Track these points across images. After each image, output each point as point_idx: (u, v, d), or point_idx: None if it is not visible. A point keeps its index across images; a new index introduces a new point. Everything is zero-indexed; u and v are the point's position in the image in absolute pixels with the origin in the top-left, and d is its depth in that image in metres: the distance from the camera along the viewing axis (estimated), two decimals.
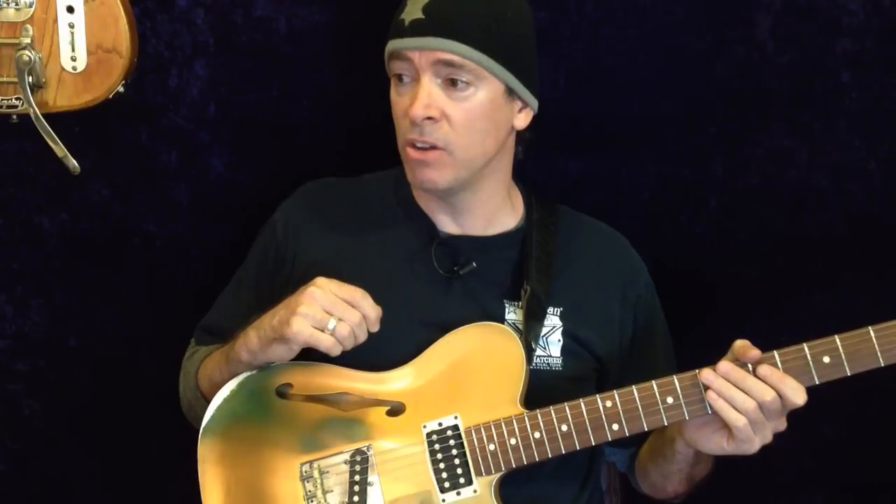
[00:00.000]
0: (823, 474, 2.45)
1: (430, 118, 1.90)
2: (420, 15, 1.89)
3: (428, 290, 2.02)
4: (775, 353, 1.79)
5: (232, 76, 2.32)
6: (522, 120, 2.01)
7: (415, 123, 1.91)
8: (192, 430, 2.00)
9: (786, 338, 1.84)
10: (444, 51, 1.89)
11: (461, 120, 1.92)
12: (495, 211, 2.08)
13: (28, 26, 2.06)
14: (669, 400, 1.82)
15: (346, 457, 1.91)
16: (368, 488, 1.90)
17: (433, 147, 1.92)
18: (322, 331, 1.82)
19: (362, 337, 1.85)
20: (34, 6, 2.06)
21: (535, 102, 2.00)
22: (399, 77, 1.94)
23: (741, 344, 1.81)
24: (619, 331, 2.08)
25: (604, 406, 1.85)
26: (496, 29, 1.92)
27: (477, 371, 1.93)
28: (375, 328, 1.86)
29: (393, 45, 1.93)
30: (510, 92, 1.96)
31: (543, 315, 2.01)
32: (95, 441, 2.48)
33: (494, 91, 1.93)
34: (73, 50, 2.07)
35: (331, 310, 1.83)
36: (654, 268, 2.18)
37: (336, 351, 1.84)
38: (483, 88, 1.92)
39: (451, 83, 1.91)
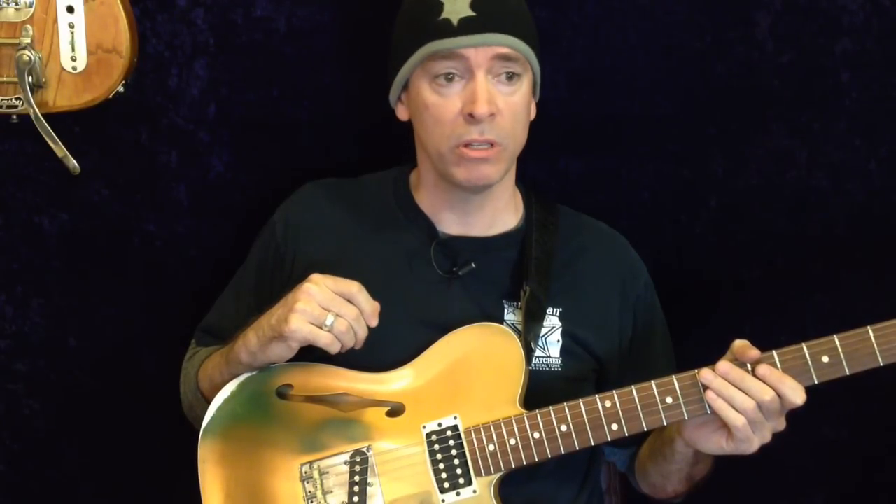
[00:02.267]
0: (823, 474, 2.45)
1: (491, 114, 1.90)
2: (470, 12, 1.89)
3: (427, 291, 2.02)
4: (774, 352, 1.79)
5: (232, 76, 2.31)
6: (534, 111, 2.04)
7: (477, 122, 1.90)
8: (192, 431, 2.00)
9: (785, 338, 1.84)
10: (504, 46, 1.90)
11: (512, 113, 1.93)
12: (501, 210, 2.09)
13: (28, 26, 2.06)
14: (668, 400, 1.82)
15: (346, 457, 1.91)
16: (368, 489, 1.90)
17: (491, 144, 1.93)
18: (320, 327, 1.82)
19: (361, 332, 1.86)
20: (34, 6, 2.06)
21: (538, 95, 2.04)
22: (445, 76, 1.92)
23: (740, 344, 1.81)
24: (619, 331, 2.08)
25: (603, 406, 1.85)
26: (529, 19, 1.98)
27: (476, 372, 1.93)
28: (373, 322, 1.87)
29: (441, 45, 1.90)
30: (532, 87, 1.99)
31: (543, 316, 2.01)
32: (95, 441, 2.48)
33: (528, 83, 1.97)
34: (73, 50, 2.07)
35: (327, 306, 1.83)
36: (654, 268, 2.18)
37: (335, 348, 1.84)
38: (525, 79, 1.96)
39: (507, 77, 1.92)
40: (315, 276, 1.86)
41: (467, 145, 1.92)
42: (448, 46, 1.89)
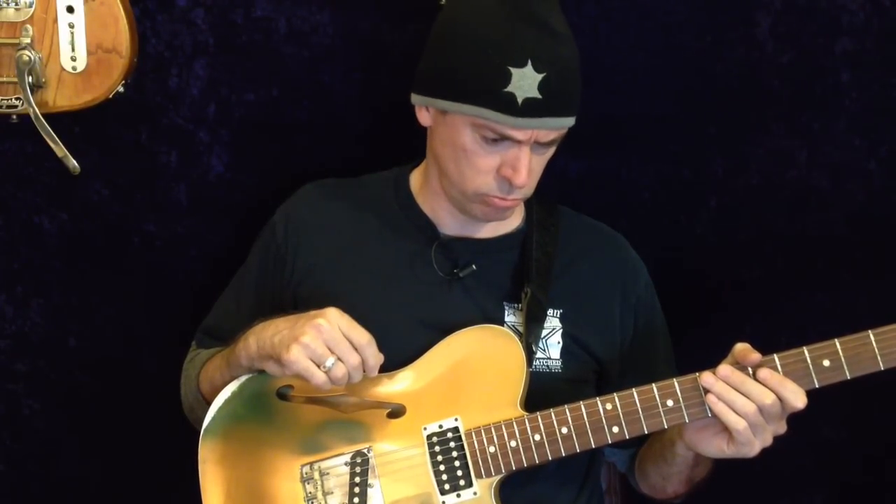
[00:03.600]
0: (823, 475, 2.45)
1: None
2: (536, 94, 1.83)
3: (428, 293, 2.02)
4: (775, 356, 1.79)
5: (232, 76, 2.31)
6: None
7: (512, 188, 1.91)
8: (192, 431, 2.00)
9: (785, 338, 1.85)
10: (559, 129, 1.89)
11: (538, 170, 1.95)
12: None
13: (28, 26, 2.06)
14: (669, 403, 1.83)
15: (347, 458, 1.91)
16: (368, 490, 1.90)
17: (517, 199, 1.95)
18: (319, 366, 1.81)
19: (356, 380, 1.85)
20: (34, 6, 2.06)
21: None
22: (493, 139, 1.88)
23: (742, 347, 1.81)
24: (619, 332, 2.08)
25: (604, 408, 1.85)
26: (581, 87, 1.92)
27: (477, 373, 1.93)
28: (372, 375, 1.87)
29: (500, 120, 1.84)
30: None
31: (543, 317, 2.01)
32: (95, 441, 2.48)
33: None
34: (73, 50, 2.07)
35: (333, 347, 1.81)
36: (654, 268, 2.18)
37: (325, 388, 1.83)
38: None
39: (545, 146, 1.92)
40: (330, 312, 1.84)
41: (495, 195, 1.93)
42: (507, 124, 1.85)
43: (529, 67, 1.82)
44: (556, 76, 1.84)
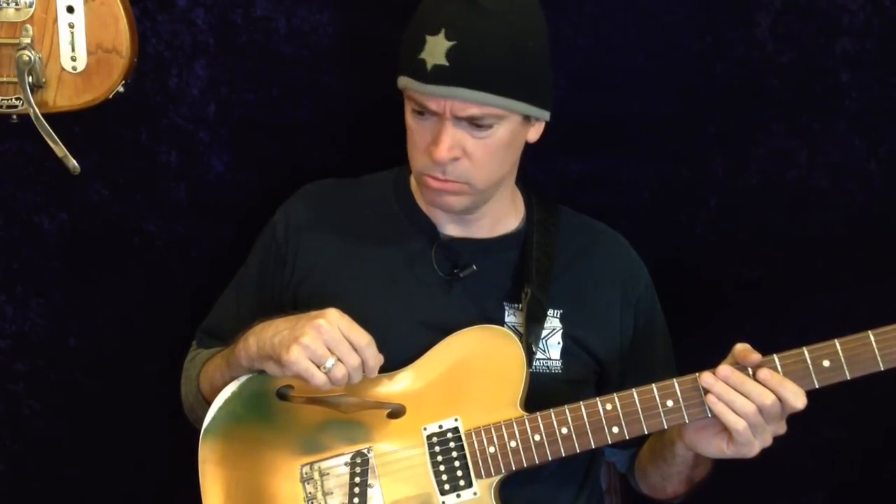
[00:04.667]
0: (823, 474, 2.45)
1: (454, 158, 1.89)
2: (443, 61, 1.83)
3: (428, 293, 2.02)
4: (775, 356, 1.79)
5: (232, 76, 2.31)
6: (535, 132, 2.00)
7: (436, 164, 1.89)
8: (192, 431, 2.01)
9: (785, 338, 1.85)
10: (469, 102, 1.84)
11: (482, 156, 1.90)
12: (502, 214, 2.09)
13: (28, 26, 2.06)
14: (669, 403, 1.83)
15: (347, 459, 1.91)
16: (368, 490, 1.90)
17: (451, 181, 1.92)
18: (319, 366, 1.81)
19: (356, 381, 1.85)
20: (34, 6, 2.06)
21: (547, 113, 1.98)
22: (418, 112, 1.89)
23: (742, 347, 1.81)
24: (619, 332, 2.08)
25: (604, 409, 1.85)
26: (519, 67, 1.87)
27: (477, 374, 1.93)
28: (372, 376, 1.87)
29: (412, 87, 1.86)
30: (527, 118, 1.94)
31: (543, 318, 2.01)
32: (95, 441, 2.48)
33: (513, 123, 1.91)
34: (73, 50, 2.07)
35: (333, 348, 1.82)
36: (654, 268, 2.18)
37: (325, 389, 1.84)
38: (503, 125, 1.90)
39: (475, 125, 1.88)
40: (331, 313, 1.84)
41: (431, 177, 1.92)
42: (418, 90, 1.86)
43: (441, 35, 1.83)
44: (467, 44, 1.83)
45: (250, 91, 2.32)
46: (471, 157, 1.89)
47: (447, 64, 1.83)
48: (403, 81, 1.89)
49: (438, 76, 1.83)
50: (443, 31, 1.83)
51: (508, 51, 1.85)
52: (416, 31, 1.87)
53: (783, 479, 2.40)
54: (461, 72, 1.83)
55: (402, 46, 1.91)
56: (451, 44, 1.83)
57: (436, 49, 1.83)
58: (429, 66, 1.84)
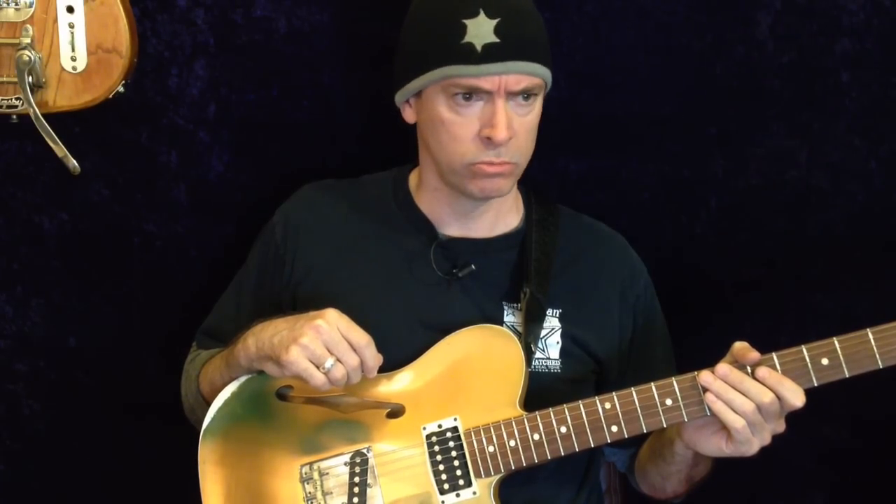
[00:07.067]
0: (823, 475, 2.45)
1: (509, 138, 1.89)
2: (494, 38, 1.85)
3: (427, 293, 2.02)
4: (774, 355, 1.79)
5: (232, 76, 2.31)
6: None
7: (495, 146, 1.89)
8: (192, 431, 2.01)
9: (785, 338, 1.85)
10: (526, 74, 1.88)
11: (526, 132, 1.93)
12: (504, 213, 2.09)
13: (28, 26, 2.06)
14: (668, 402, 1.83)
15: (346, 458, 1.91)
16: (368, 490, 1.90)
17: (507, 162, 1.93)
18: (318, 367, 1.82)
19: (355, 381, 1.85)
20: (34, 6, 2.06)
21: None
22: (464, 96, 1.89)
23: (740, 346, 1.81)
24: (619, 332, 2.08)
25: (602, 408, 1.85)
26: (544, 36, 1.95)
27: (476, 373, 1.93)
28: (371, 377, 1.87)
29: (461, 72, 1.86)
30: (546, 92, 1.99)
31: (542, 317, 2.01)
32: (95, 441, 2.48)
33: (542, 95, 1.96)
34: (73, 50, 2.07)
35: (332, 348, 1.82)
36: (654, 268, 2.18)
37: (324, 389, 1.84)
38: (539, 98, 1.95)
39: (524, 98, 1.90)
40: (330, 313, 1.84)
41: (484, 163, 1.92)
42: (472, 73, 1.86)
43: (482, 15, 1.86)
44: (510, 20, 1.87)
45: (250, 91, 2.32)
46: (518, 136, 1.92)
47: (499, 40, 1.86)
48: (445, 71, 1.88)
49: (492, 54, 1.86)
50: (482, 11, 1.86)
51: (536, 20, 1.94)
52: (447, 19, 1.88)
53: (783, 479, 2.40)
54: (513, 46, 1.87)
55: (425, 38, 1.92)
56: (496, 21, 1.86)
57: (481, 30, 1.86)
58: (479, 47, 1.85)
